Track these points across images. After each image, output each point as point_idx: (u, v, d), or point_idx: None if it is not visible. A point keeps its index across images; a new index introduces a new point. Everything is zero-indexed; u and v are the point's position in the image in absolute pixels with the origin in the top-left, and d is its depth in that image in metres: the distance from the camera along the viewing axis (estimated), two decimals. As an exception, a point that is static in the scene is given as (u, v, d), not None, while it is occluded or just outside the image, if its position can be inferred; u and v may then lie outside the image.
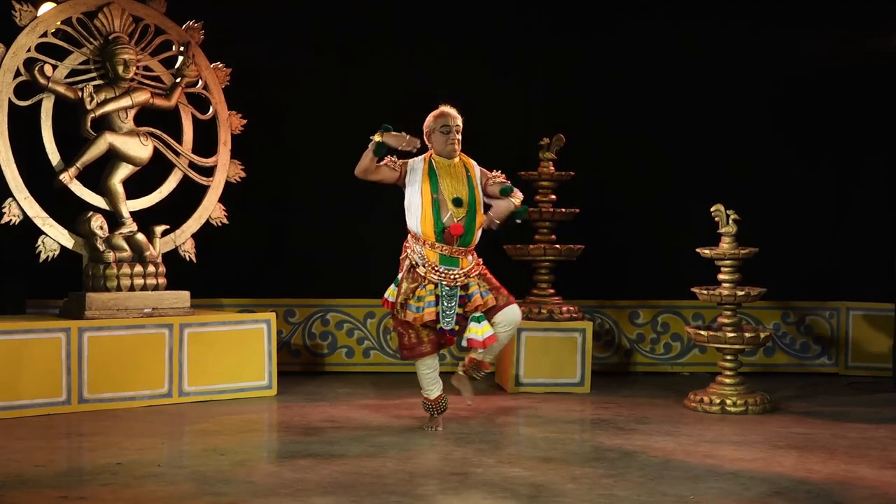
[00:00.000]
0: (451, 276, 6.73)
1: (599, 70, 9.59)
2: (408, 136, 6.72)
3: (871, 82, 9.55)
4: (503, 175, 6.98)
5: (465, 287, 6.76)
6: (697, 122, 9.58)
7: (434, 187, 6.76)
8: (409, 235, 6.87)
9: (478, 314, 6.73)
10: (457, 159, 6.89)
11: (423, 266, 6.75)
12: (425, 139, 6.93)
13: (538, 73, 9.71)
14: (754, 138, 9.64)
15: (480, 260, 6.92)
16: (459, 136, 6.89)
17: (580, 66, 9.56)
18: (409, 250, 6.85)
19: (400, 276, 6.88)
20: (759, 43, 9.57)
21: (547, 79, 9.71)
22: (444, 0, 9.39)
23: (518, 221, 6.98)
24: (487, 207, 6.91)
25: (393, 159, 6.84)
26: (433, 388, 7.00)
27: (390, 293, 6.94)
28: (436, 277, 6.72)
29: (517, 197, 6.87)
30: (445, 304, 6.71)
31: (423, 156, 6.92)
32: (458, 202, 6.74)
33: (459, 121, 6.93)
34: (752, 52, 9.58)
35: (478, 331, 6.69)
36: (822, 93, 9.66)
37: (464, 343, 6.80)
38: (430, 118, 6.96)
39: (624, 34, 9.62)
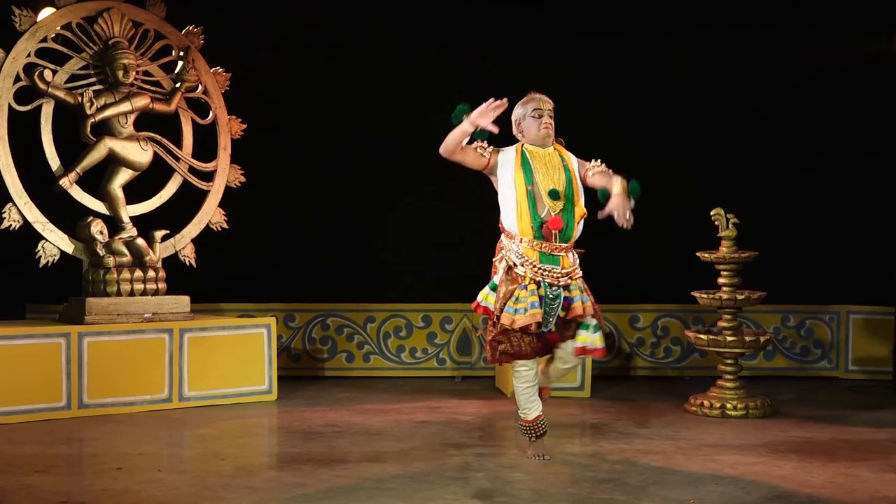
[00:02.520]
0: (555, 275, 6.09)
1: (599, 74, 9.58)
2: (491, 102, 5.98)
3: (870, 84, 9.55)
4: (603, 164, 6.27)
5: (567, 289, 6.15)
6: (697, 125, 9.58)
7: (528, 179, 6.12)
8: (502, 235, 6.27)
9: (588, 321, 6.18)
10: (551, 148, 6.26)
11: (523, 265, 6.09)
12: (515, 130, 6.31)
13: (538, 78, 9.68)
14: (754, 141, 9.64)
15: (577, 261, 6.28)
16: (553, 122, 6.24)
17: (580, 71, 9.54)
18: (503, 250, 6.22)
19: (497, 279, 6.21)
20: (758, 46, 9.56)
21: (546, 84, 9.68)
22: (443, 3, 9.38)
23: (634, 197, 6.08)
24: (602, 200, 6.03)
25: (483, 144, 6.18)
26: (531, 407, 6.29)
27: (485, 297, 6.25)
28: (537, 276, 6.06)
29: (618, 185, 5.95)
30: (549, 305, 6.07)
31: (513, 146, 6.29)
32: (554, 194, 6.11)
33: (552, 105, 6.29)
34: (750, 55, 9.56)
35: (587, 338, 6.18)
36: (822, 95, 9.66)
37: (576, 353, 6.23)
38: (518, 105, 6.30)
39: (624, 38, 9.61)
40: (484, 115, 5.95)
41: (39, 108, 8.00)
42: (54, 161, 8.06)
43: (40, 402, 7.45)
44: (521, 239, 6.11)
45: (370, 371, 9.62)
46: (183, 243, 8.56)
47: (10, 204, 7.85)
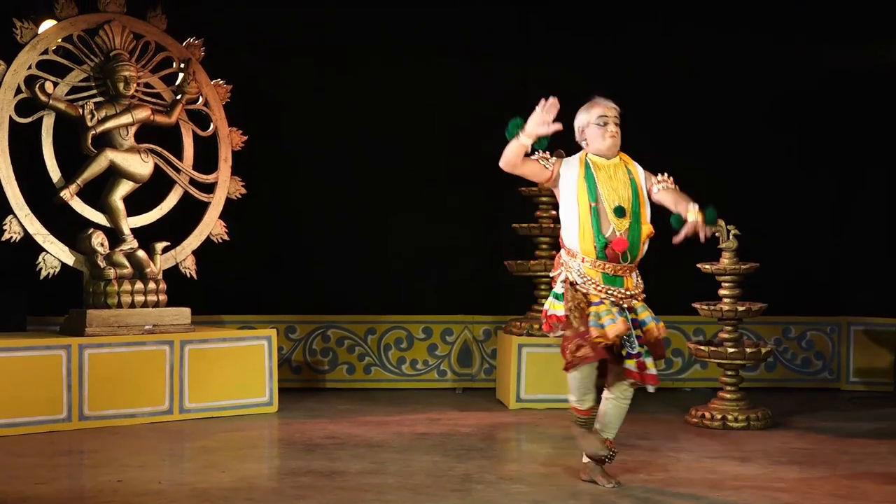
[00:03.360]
0: (618, 296, 5.74)
1: (598, 83, 9.57)
2: (542, 104, 5.60)
3: (870, 94, 9.56)
4: (670, 178, 5.91)
5: (634, 311, 5.79)
6: (697, 134, 9.57)
7: (592, 194, 5.72)
8: (561, 249, 5.90)
9: (645, 348, 5.77)
10: (616, 159, 5.83)
11: (585, 284, 5.73)
12: (578, 137, 5.91)
13: (538, 87, 9.69)
14: (755, 152, 9.65)
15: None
16: (619, 130, 5.82)
17: (578, 80, 9.51)
18: (562, 266, 5.85)
19: (561, 290, 5.82)
20: (759, 54, 9.56)
21: (546, 91, 9.69)
22: (440, 8, 9.39)
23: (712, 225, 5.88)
24: (676, 227, 5.71)
25: (545, 155, 5.80)
26: (585, 397, 5.87)
27: (553, 306, 5.86)
28: (605, 296, 5.71)
29: (693, 213, 5.65)
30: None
31: (577, 155, 5.89)
32: (620, 212, 5.69)
33: (618, 111, 5.86)
34: (751, 63, 9.56)
35: (649, 364, 5.77)
36: (823, 105, 9.68)
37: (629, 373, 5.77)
38: (581, 111, 5.88)
39: (622, 43, 9.57)
40: (540, 124, 5.59)
41: (40, 120, 8.00)
42: (55, 173, 8.06)
43: (41, 415, 7.44)
44: (584, 258, 5.75)
45: (371, 383, 9.61)
46: (184, 255, 8.56)
47: (11, 216, 7.85)
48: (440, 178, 9.54)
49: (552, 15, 9.62)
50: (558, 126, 5.60)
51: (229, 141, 8.73)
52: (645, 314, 5.80)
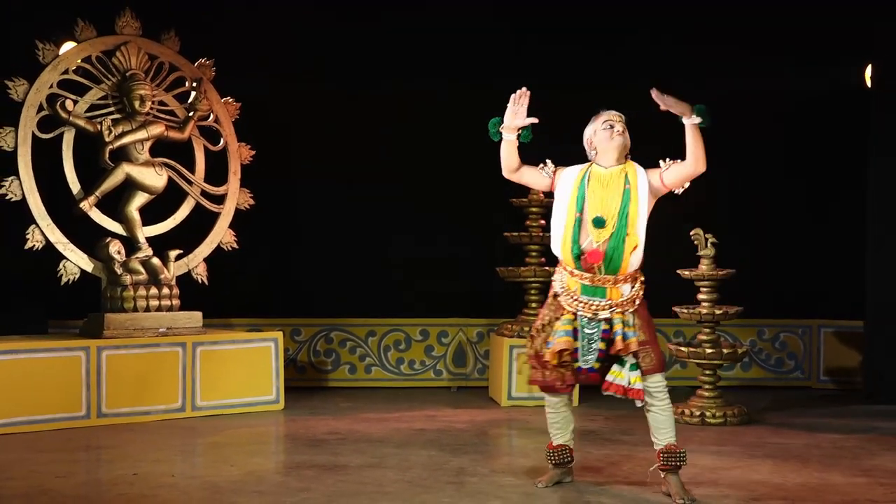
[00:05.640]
0: (593, 307, 5.40)
1: (590, 98, 9.55)
2: (512, 98, 5.52)
3: (841, 113, 9.56)
4: (675, 161, 5.53)
5: (610, 322, 5.39)
6: (679, 148, 9.53)
7: (579, 204, 5.42)
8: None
9: (632, 360, 5.40)
10: (619, 167, 5.48)
11: (564, 295, 5.47)
12: (588, 149, 5.62)
13: (533, 91, 9.67)
14: (733, 167, 9.62)
15: (641, 295, 5.49)
16: (626, 132, 5.53)
17: (570, 94, 9.49)
18: (555, 276, 5.60)
19: (546, 302, 5.64)
20: (738, 71, 9.52)
21: (539, 105, 9.67)
22: (438, 28, 9.38)
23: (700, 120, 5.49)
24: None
25: (545, 163, 5.60)
26: (554, 433, 5.74)
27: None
28: (573, 308, 5.42)
29: (690, 116, 5.43)
30: (586, 338, 5.40)
31: (579, 165, 5.57)
32: (598, 222, 5.35)
33: (622, 117, 5.58)
34: (731, 79, 9.49)
35: (619, 374, 5.39)
36: (797, 123, 9.68)
37: (602, 387, 5.47)
38: (589, 124, 5.62)
39: (614, 59, 9.52)
40: (515, 115, 5.47)
41: (61, 135, 8.00)
42: (75, 185, 8.06)
43: (61, 412, 7.43)
44: (565, 267, 5.48)
45: (371, 382, 9.61)
46: (195, 262, 8.56)
47: (34, 225, 7.85)
48: (436, 191, 9.53)
49: (546, 37, 9.60)
50: (534, 119, 5.50)
51: (238, 155, 8.73)
52: (617, 327, 5.36)
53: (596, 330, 5.38)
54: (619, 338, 5.35)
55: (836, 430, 7.48)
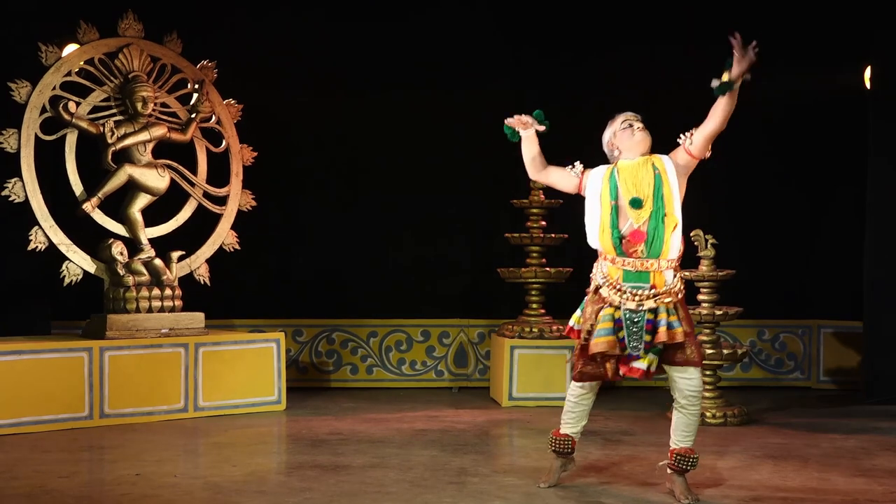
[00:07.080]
0: (637, 297, 5.32)
1: (587, 100, 9.56)
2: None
3: (840, 115, 9.55)
4: (692, 130, 5.48)
5: (654, 312, 5.31)
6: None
7: (613, 193, 5.40)
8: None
9: (659, 347, 5.35)
10: (643, 158, 5.46)
11: (605, 286, 5.40)
12: (608, 150, 5.61)
13: (529, 104, 9.68)
14: (733, 168, 9.62)
15: (682, 288, 5.42)
16: (645, 128, 5.50)
17: (568, 98, 9.50)
18: (594, 271, 5.53)
19: (585, 299, 5.55)
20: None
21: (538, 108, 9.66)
22: (439, 35, 9.38)
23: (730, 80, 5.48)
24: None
25: (572, 165, 5.61)
26: (567, 421, 5.72)
27: (575, 320, 5.57)
28: (617, 299, 5.34)
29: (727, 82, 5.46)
30: (629, 330, 5.32)
31: (605, 165, 5.58)
32: (636, 203, 5.33)
33: (638, 117, 5.57)
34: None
35: (645, 359, 5.36)
36: (797, 125, 9.67)
37: (622, 372, 5.44)
38: (607, 128, 5.62)
39: (611, 64, 9.52)
40: (520, 122, 5.61)
41: (64, 137, 8.00)
42: (78, 187, 8.06)
43: (64, 413, 7.43)
44: (606, 256, 5.42)
45: (373, 382, 9.60)
46: (198, 263, 8.55)
47: (37, 227, 7.85)
48: (437, 193, 9.53)
49: (543, 44, 9.60)
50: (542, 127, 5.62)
51: (240, 157, 8.73)
52: (662, 316, 5.30)
53: (641, 320, 5.31)
54: (662, 328, 5.29)
55: (835, 430, 7.47)
